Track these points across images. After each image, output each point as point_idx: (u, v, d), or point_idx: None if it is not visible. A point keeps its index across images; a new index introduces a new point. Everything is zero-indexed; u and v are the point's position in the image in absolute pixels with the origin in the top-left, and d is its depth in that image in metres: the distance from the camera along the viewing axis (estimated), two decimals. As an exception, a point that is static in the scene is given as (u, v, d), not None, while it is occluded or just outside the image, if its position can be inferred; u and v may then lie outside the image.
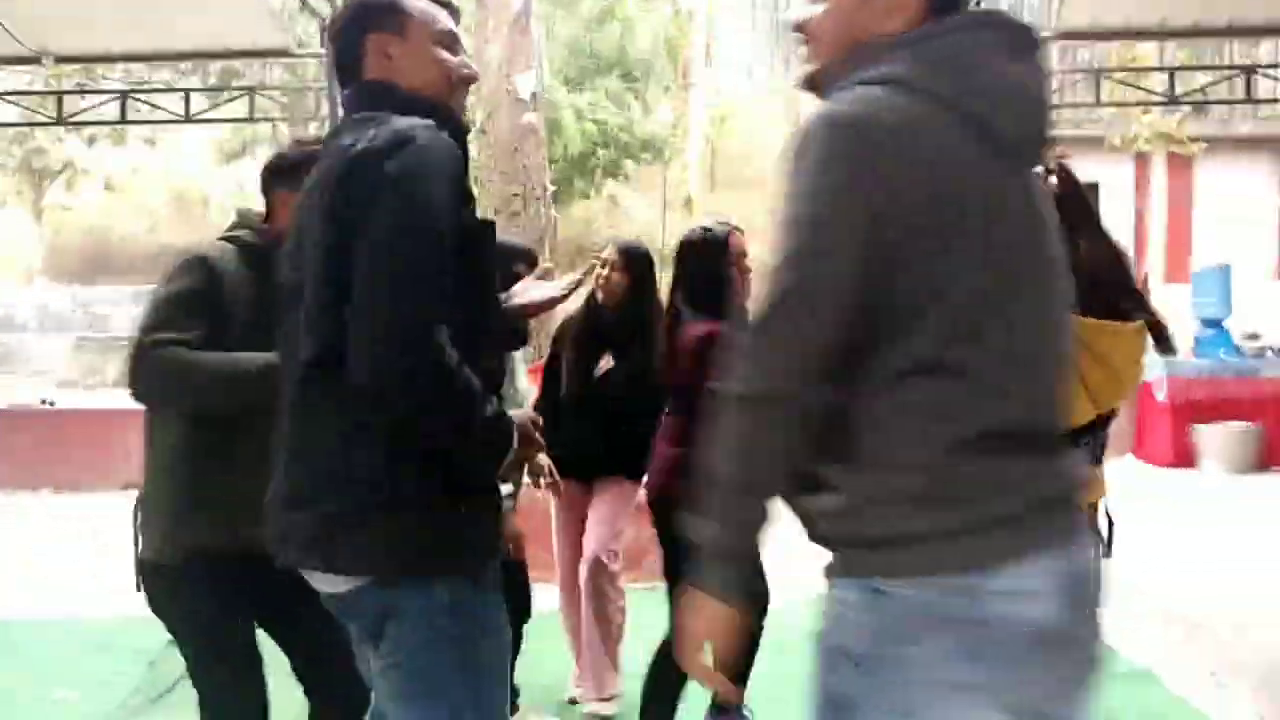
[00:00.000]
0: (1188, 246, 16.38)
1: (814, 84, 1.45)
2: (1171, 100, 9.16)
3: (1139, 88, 9.64)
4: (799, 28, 1.48)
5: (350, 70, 1.78)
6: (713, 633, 1.31)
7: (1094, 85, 9.31)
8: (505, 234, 6.64)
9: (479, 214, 1.80)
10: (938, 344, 1.24)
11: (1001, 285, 1.27)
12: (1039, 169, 1.81)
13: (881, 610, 1.26)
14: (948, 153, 1.26)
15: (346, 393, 1.57)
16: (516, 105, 6.86)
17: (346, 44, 1.78)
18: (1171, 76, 8.97)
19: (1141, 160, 15.58)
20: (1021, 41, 1.37)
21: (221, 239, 2.31)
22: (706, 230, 3.18)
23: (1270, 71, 9.00)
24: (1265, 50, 10.28)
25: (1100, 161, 13.74)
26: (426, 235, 1.56)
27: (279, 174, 2.29)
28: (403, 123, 1.60)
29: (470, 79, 1.83)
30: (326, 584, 1.70)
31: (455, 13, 1.87)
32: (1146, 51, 12.29)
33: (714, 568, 1.32)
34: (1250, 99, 9.05)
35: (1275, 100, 11.00)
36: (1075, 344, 1.53)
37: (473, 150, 6.52)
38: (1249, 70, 8.90)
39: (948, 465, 1.24)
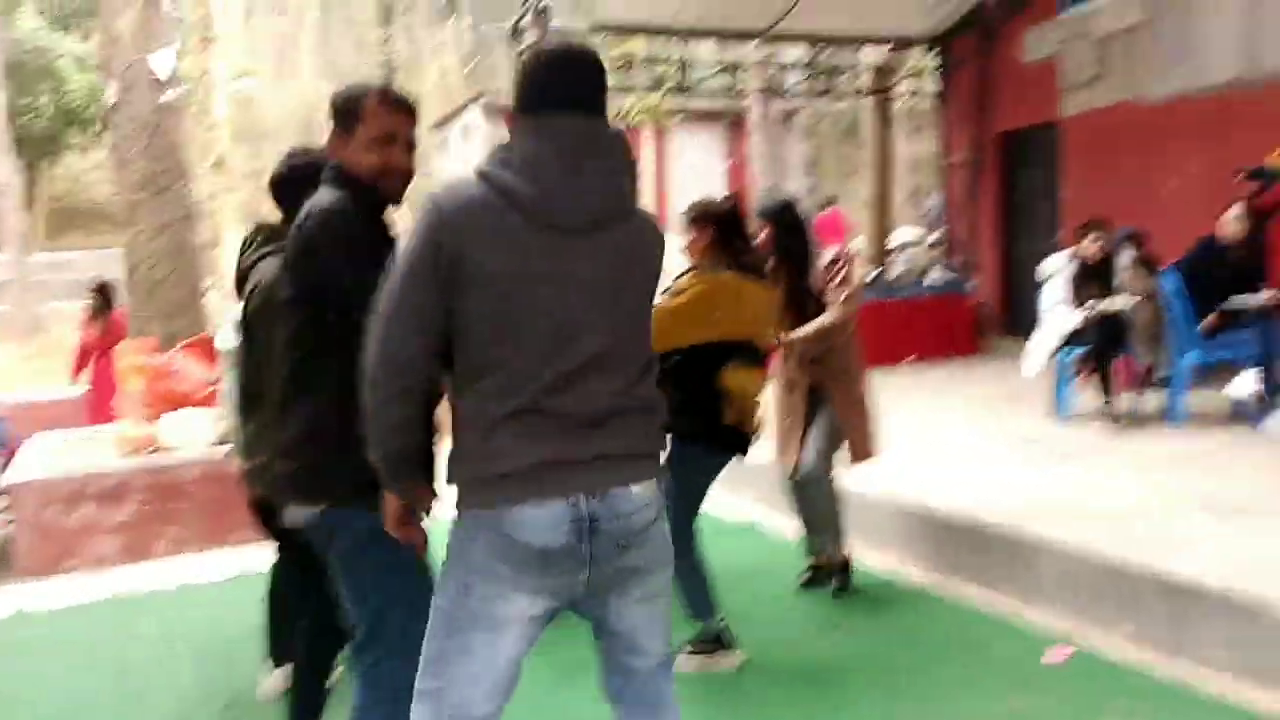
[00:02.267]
0: (666, 199, 19.23)
1: None
2: (680, 88, 11.00)
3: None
4: None
5: None
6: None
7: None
8: (156, 212, 6.43)
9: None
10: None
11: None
12: None
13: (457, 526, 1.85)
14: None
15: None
16: (154, 83, 6.53)
17: None
18: (683, 70, 10.82)
19: (632, 131, 17.93)
20: (584, 140, 1.82)
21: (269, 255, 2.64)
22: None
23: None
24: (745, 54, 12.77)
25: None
26: None
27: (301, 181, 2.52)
28: None
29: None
30: (292, 516, 2.31)
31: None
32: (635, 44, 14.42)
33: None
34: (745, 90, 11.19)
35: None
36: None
37: (111, 130, 6.20)
38: (734, 67, 11.05)
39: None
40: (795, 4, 10.05)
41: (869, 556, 4.59)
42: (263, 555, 5.33)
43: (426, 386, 1.86)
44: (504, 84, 23.49)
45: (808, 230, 4.01)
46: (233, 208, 17.43)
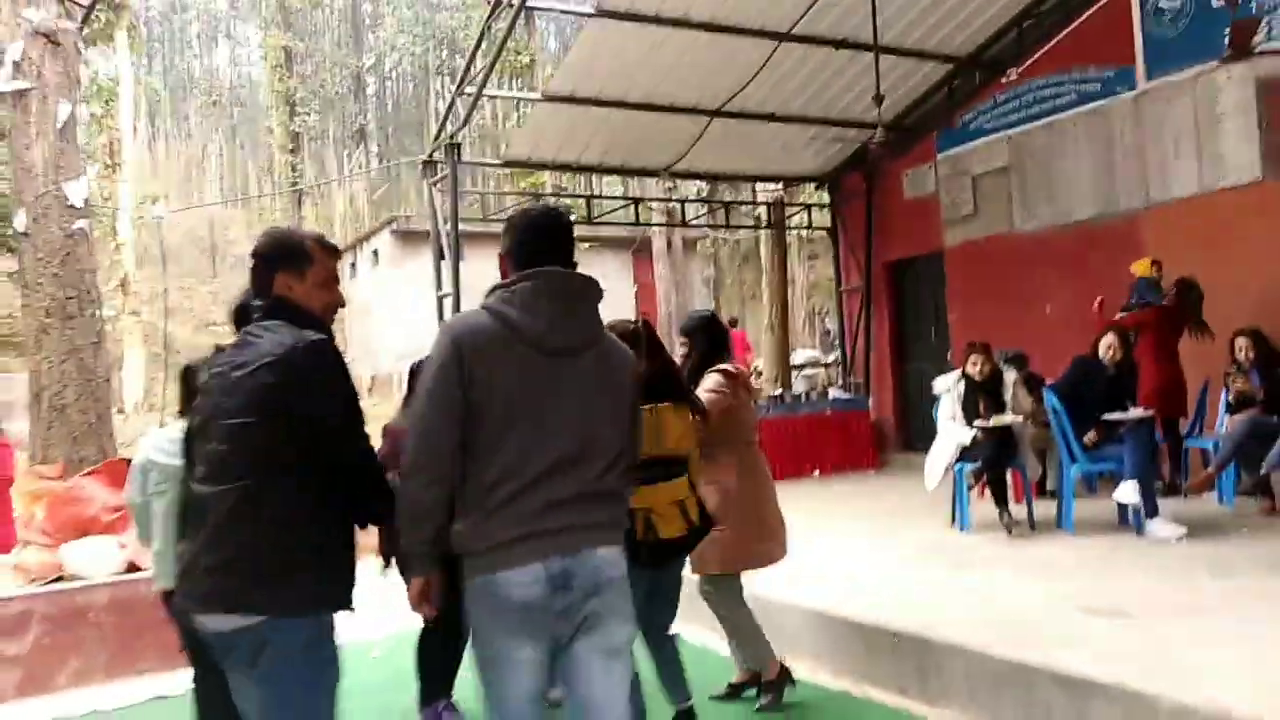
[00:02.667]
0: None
1: None
2: (587, 220, 11.41)
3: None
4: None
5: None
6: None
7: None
8: (66, 338, 6.33)
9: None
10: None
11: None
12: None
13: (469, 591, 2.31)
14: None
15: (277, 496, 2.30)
16: (67, 211, 6.50)
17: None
18: (589, 202, 11.27)
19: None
20: (560, 287, 2.34)
21: None
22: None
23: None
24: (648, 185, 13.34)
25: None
26: None
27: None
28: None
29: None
30: (218, 623, 2.31)
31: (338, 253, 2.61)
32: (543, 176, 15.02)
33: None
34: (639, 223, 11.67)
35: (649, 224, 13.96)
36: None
37: (22, 256, 6.12)
38: (636, 200, 11.56)
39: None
40: (689, 149, 10.66)
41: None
42: (174, 681, 5.19)
43: (454, 475, 2.28)
44: (412, 211, 23.90)
45: (726, 342, 4.21)
46: (136, 330, 17.02)
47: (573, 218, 14.31)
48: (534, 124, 10.19)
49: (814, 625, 4.80)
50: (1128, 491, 5.90)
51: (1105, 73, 8.98)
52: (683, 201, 13.35)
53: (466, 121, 9.10)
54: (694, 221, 13.51)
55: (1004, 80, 9.93)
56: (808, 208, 12.87)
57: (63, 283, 6.50)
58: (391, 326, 18.26)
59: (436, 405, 2.26)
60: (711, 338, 4.18)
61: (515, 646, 2.27)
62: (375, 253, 20.53)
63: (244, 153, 35.30)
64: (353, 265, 22.40)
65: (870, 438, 11.05)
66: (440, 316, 9.72)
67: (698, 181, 16.70)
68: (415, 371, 3.99)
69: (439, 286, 9.90)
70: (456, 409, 2.23)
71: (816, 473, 9.98)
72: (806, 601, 4.93)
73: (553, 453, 2.27)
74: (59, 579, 5.86)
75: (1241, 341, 6.74)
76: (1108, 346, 6.30)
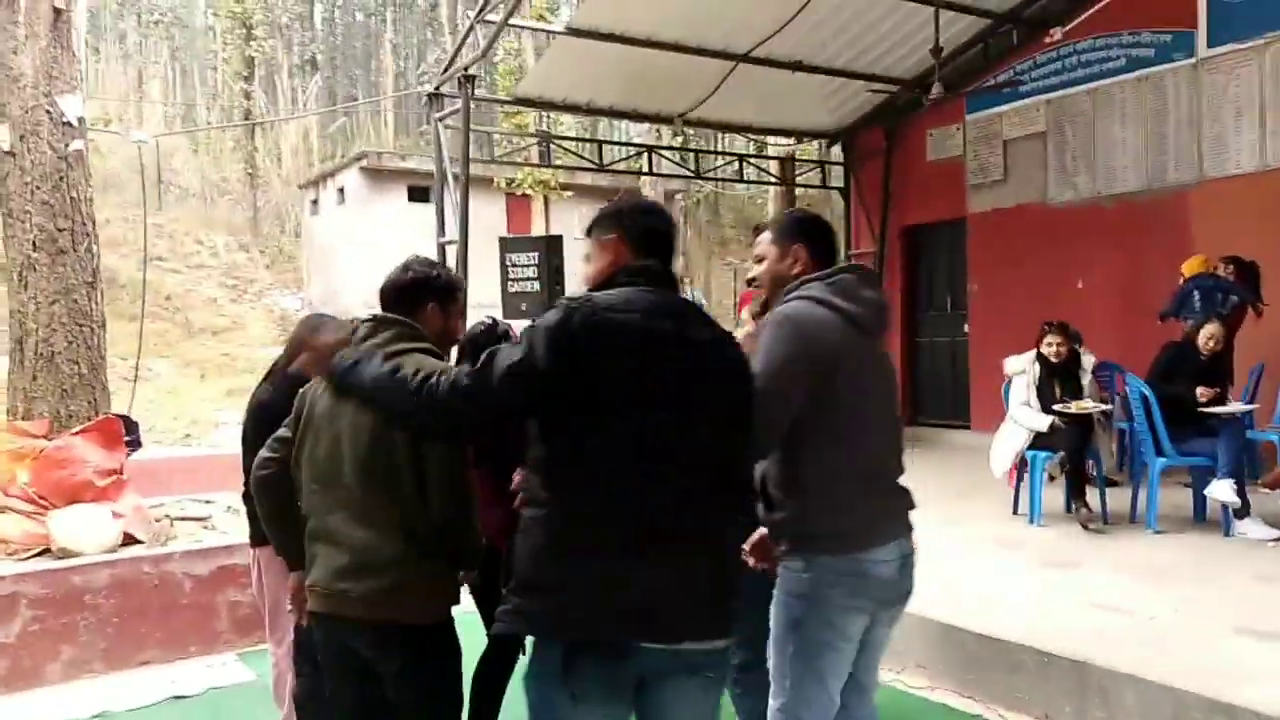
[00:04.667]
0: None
1: (766, 306, 2.49)
2: (600, 168, 10.70)
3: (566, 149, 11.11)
4: (750, 281, 2.59)
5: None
6: None
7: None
8: (55, 276, 5.52)
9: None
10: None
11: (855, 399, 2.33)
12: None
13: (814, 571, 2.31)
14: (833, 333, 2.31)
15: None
16: (60, 130, 5.57)
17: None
18: (600, 147, 10.56)
19: (521, 200, 17.50)
20: (870, 278, 2.48)
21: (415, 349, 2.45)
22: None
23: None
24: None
25: (486, 201, 15.47)
26: None
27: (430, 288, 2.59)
28: None
29: None
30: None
31: None
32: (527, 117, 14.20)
33: None
34: (652, 171, 11.04)
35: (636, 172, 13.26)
36: None
37: (6, 180, 5.27)
38: (650, 149, 10.87)
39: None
40: (708, 96, 10.01)
41: (888, 674, 4.26)
42: (186, 676, 4.59)
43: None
44: (368, 147, 22.68)
45: None
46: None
47: (558, 161, 13.66)
48: (550, 60, 9.44)
49: (927, 635, 4.33)
50: (1224, 490, 5.54)
51: (1161, 37, 8.53)
52: (698, 152, 12.68)
53: (485, 52, 8.31)
54: (708, 174, 12.85)
55: (1047, 39, 9.44)
56: (821, 164, 12.30)
57: (54, 212, 5.59)
58: (355, 271, 17.12)
59: (784, 388, 2.24)
60: None
61: (858, 624, 2.32)
62: (341, 190, 19.38)
63: (189, 77, 33.41)
64: (314, 202, 21.22)
65: (880, 409, 10.64)
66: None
67: (679, 135, 16.03)
68: (475, 339, 3.29)
69: (441, 232, 9.16)
70: (798, 394, 2.25)
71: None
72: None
73: (886, 433, 2.42)
74: (44, 551, 5.16)
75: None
76: (1209, 337, 5.90)
